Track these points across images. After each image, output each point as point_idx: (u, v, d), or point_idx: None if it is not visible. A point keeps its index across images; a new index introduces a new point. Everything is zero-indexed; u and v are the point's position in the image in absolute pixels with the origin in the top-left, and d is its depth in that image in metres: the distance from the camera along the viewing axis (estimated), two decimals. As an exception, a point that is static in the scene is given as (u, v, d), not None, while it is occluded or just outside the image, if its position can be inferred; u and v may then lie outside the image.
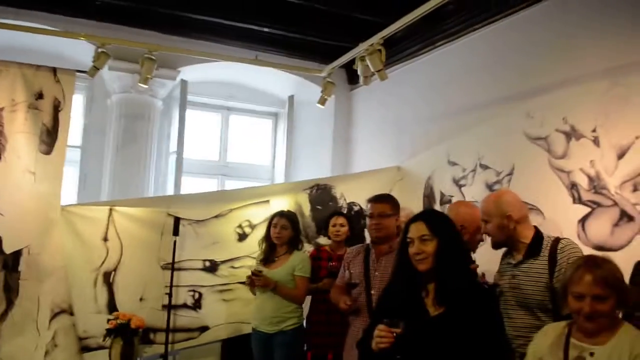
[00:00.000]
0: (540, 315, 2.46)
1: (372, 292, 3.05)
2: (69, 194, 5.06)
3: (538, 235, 2.59)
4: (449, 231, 2.08)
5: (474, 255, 2.99)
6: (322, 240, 4.42)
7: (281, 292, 3.67)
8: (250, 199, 4.41)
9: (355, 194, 4.63)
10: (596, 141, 3.13)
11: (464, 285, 2.00)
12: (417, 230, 2.04)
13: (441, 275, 2.00)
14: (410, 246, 2.05)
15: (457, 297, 1.97)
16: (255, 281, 3.65)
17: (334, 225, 4.00)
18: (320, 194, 4.62)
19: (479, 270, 2.86)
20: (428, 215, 2.13)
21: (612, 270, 1.93)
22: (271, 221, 3.87)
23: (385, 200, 3.24)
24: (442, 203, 4.29)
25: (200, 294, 4.21)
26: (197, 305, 4.19)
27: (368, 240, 3.40)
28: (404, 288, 2.08)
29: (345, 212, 4.49)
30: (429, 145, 4.58)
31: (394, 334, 1.88)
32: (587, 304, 1.89)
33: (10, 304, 3.65)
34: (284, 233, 3.79)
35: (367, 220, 3.23)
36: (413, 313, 2.00)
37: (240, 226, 4.35)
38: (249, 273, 3.72)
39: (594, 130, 3.14)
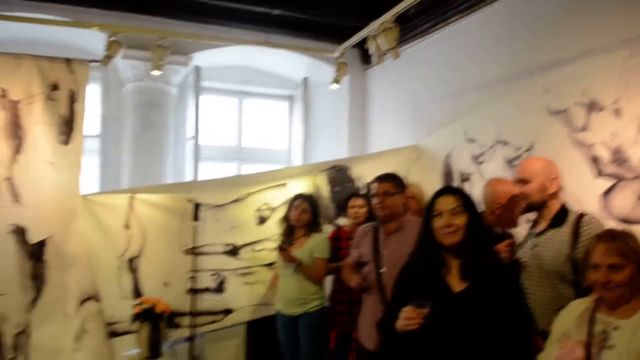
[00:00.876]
0: (558, 285, 2.46)
1: (382, 270, 3.07)
2: (90, 182, 5.12)
3: (565, 207, 2.61)
4: (475, 207, 2.09)
5: (515, 231, 2.99)
6: (342, 221, 4.43)
7: (304, 271, 3.71)
8: (268, 183, 4.42)
9: (373, 175, 4.49)
10: (617, 113, 3.06)
11: (489, 261, 2.03)
12: (448, 202, 2.03)
13: (470, 248, 2.00)
14: (437, 219, 2.03)
15: (482, 272, 1.98)
16: (282, 256, 3.69)
17: (353, 207, 4.00)
18: (338, 175, 4.62)
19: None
20: (456, 190, 2.14)
21: (628, 241, 1.93)
22: (292, 203, 3.89)
23: (387, 179, 3.20)
24: (461, 181, 4.26)
25: (223, 278, 4.26)
26: (220, 288, 4.25)
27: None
28: (426, 265, 2.07)
29: (363, 193, 4.48)
30: (445, 123, 4.53)
31: (422, 315, 1.88)
32: (602, 273, 1.90)
33: (38, 292, 3.74)
34: (303, 216, 3.81)
35: (373, 200, 3.21)
36: (436, 290, 1.99)
37: (259, 209, 4.38)
38: (276, 250, 3.78)
39: (614, 102, 3.07)
